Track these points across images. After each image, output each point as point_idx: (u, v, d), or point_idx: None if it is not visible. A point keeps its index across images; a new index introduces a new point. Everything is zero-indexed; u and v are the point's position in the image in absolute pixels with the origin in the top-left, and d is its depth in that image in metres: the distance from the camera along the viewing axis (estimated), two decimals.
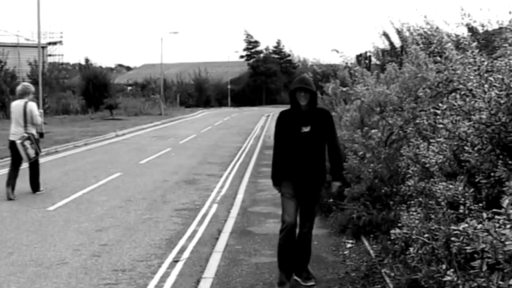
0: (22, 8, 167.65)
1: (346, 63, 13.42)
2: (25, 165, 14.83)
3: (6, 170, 18.69)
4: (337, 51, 11.84)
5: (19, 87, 15.22)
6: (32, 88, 15.28)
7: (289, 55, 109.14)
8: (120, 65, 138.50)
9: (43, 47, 50.37)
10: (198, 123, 47.04)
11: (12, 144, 14.46)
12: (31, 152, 14.49)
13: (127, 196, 14.53)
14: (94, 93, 55.05)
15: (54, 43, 64.67)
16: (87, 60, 74.00)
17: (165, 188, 15.86)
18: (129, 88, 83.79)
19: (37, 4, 32.21)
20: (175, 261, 9.20)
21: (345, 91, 12.22)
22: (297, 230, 7.84)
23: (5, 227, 11.31)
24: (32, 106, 14.57)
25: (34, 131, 14.65)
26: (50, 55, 63.54)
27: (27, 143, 14.36)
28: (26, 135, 14.35)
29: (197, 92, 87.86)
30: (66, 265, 8.90)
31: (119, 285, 8.10)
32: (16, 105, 14.61)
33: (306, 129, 7.53)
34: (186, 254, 9.60)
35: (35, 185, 14.90)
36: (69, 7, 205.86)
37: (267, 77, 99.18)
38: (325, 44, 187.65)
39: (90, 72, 59.46)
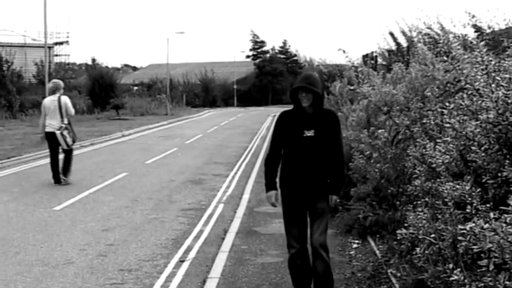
0: (28, 8, 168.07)
1: (353, 63, 13.42)
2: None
3: (7, 171, 18.84)
4: (344, 51, 11.83)
5: (50, 85, 16.94)
6: (62, 84, 16.91)
7: (295, 55, 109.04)
8: (127, 65, 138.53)
9: (49, 47, 50.52)
10: (205, 123, 47.05)
11: (49, 135, 15.99)
12: (69, 140, 16.12)
13: (133, 196, 14.55)
14: (100, 93, 55.06)
15: (61, 43, 64.86)
16: (93, 60, 73.98)
17: (171, 188, 15.87)
18: (135, 88, 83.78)
19: (44, 4, 32.29)
20: (181, 261, 9.21)
21: (353, 89, 12.20)
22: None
23: (11, 226, 11.34)
24: (66, 99, 16.26)
25: (67, 121, 16.13)
26: (56, 55, 63.74)
27: (65, 132, 15.99)
28: (63, 125, 15.98)
29: (203, 92, 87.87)
30: (72, 265, 8.91)
31: (125, 285, 8.11)
32: (51, 101, 16.17)
33: (310, 133, 6.73)
34: (192, 254, 9.60)
35: (66, 170, 16.29)
36: (75, 7, 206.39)
37: (273, 77, 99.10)
38: (331, 44, 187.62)
39: (96, 72, 59.42)
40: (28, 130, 33.05)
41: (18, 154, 22.18)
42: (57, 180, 16.08)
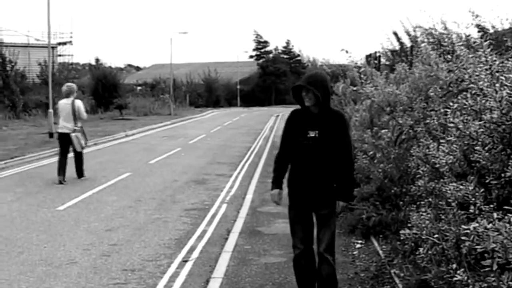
0: (32, 8, 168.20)
1: (356, 63, 13.41)
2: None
3: (10, 171, 18.87)
4: (346, 51, 11.82)
5: (64, 88, 17.32)
6: (75, 87, 17.69)
7: (298, 55, 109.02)
8: (130, 65, 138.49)
9: (53, 47, 50.45)
10: (208, 123, 47.06)
11: (62, 136, 16.64)
12: (83, 142, 16.78)
13: (137, 196, 14.55)
14: (103, 93, 55.10)
15: (64, 43, 64.70)
16: (97, 60, 73.77)
17: (174, 188, 15.87)
18: (139, 88, 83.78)
19: (47, 4, 32.28)
20: (185, 261, 9.21)
21: (355, 90, 12.18)
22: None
23: (15, 226, 11.35)
24: (79, 103, 16.90)
25: (80, 125, 16.75)
26: (60, 55, 63.60)
27: (79, 135, 16.58)
28: (77, 128, 16.58)
29: (207, 92, 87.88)
30: (75, 265, 8.92)
31: (129, 284, 8.11)
32: (64, 104, 16.75)
33: (313, 134, 6.59)
34: (195, 254, 9.60)
35: (80, 171, 16.97)
36: (78, 7, 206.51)
37: (276, 77, 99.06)
38: (334, 44, 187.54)
39: (99, 72, 59.41)
40: (32, 130, 33.14)
41: (22, 154, 22.22)
42: (62, 180, 16.26)
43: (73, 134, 16.39)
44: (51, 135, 27.47)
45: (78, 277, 8.37)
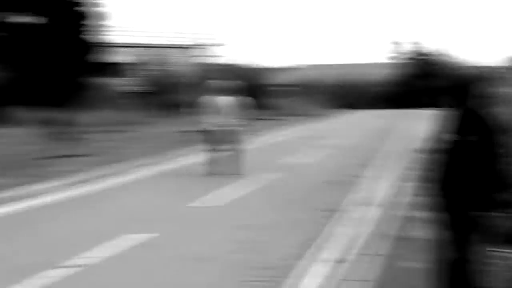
0: (180, 11, 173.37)
1: (506, 64, 13.03)
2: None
3: (149, 169, 19.55)
4: (496, 51, 11.51)
5: (219, 85, 18.63)
6: (234, 84, 19.24)
7: (443, 56, 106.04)
8: (274, 66, 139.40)
9: (200, 48, 51.86)
10: (347, 124, 46.82)
11: (214, 132, 17.66)
12: (242, 138, 18.04)
13: (272, 196, 14.71)
14: (249, 94, 55.93)
15: (212, 45, 66.28)
16: (243, 61, 75.04)
17: (309, 188, 15.90)
18: (283, 88, 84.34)
19: (196, 7, 33.22)
20: (319, 261, 9.19)
21: (506, 92, 11.79)
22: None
23: (145, 221, 11.83)
24: (238, 101, 18.09)
25: (240, 121, 17.95)
26: (207, 56, 65.19)
27: (239, 130, 17.87)
28: (237, 123, 17.81)
29: (349, 93, 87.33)
30: (208, 261, 9.14)
31: (260, 283, 8.19)
32: (220, 100, 17.81)
33: (451, 138, 6.33)
34: (331, 256, 9.54)
35: (236, 168, 17.70)
36: (226, 9, 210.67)
37: (418, 79, 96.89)
38: (481, 44, 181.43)
39: (245, 72, 60.33)
40: (171, 129, 34.32)
41: (161, 153, 22.99)
42: (211, 175, 17.29)
43: (233, 128, 17.63)
44: (191, 133, 28.19)
45: (210, 273, 8.58)
